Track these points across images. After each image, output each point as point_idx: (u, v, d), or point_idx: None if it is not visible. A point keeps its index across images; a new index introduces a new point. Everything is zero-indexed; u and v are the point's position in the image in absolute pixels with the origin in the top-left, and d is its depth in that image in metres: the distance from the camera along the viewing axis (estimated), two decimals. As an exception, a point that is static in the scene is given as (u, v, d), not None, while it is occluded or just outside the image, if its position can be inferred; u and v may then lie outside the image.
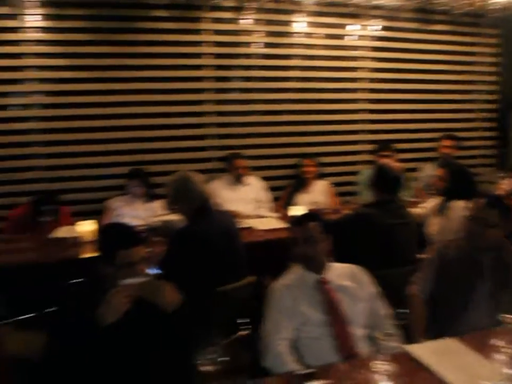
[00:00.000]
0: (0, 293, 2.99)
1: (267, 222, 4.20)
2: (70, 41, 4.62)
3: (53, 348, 1.94)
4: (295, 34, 5.35)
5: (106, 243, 2.12)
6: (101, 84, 4.76)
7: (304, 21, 5.36)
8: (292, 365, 2.11)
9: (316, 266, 2.39)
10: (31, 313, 2.71)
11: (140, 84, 4.88)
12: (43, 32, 4.58)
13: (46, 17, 4.58)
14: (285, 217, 4.23)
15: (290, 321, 2.25)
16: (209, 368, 1.82)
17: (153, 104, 4.95)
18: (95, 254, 3.23)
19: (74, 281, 2.85)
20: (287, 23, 5.31)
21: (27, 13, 4.51)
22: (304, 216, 2.54)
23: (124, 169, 4.53)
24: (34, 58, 4.60)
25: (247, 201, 4.68)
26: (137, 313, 1.91)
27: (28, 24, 4.53)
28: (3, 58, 4.52)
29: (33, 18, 4.54)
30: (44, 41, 4.59)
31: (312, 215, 2.56)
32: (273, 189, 5.11)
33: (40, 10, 4.54)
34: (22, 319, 2.75)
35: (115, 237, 2.09)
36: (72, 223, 4.09)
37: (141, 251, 2.04)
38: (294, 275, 2.41)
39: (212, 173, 5.01)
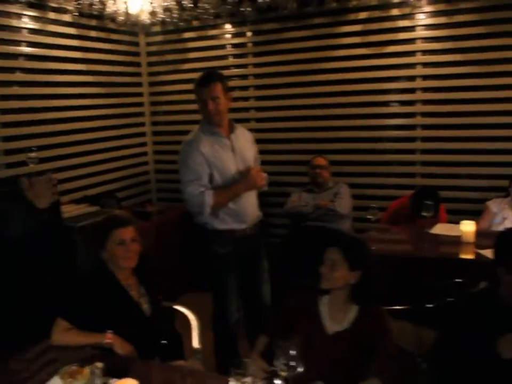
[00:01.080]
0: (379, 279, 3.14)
1: None
2: (461, 35, 4.52)
3: (444, 345, 1.94)
4: None
5: (507, 248, 2.00)
6: (494, 78, 4.48)
7: None
8: None
9: None
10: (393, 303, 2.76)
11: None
12: (433, 29, 4.62)
13: (436, 13, 4.59)
14: None
15: None
16: None
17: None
18: (477, 256, 3.15)
19: (456, 280, 2.81)
20: None
21: (419, 12, 4.62)
22: None
23: (507, 170, 4.21)
24: (427, 55, 4.67)
25: None
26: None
27: (420, 22, 4.64)
28: (396, 57, 4.74)
29: (424, 16, 4.62)
30: (433, 38, 4.62)
31: None
32: None
33: (430, 8, 4.59)
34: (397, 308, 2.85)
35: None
36: (447, 221, 4.07)
37: None
38: None
39: None
